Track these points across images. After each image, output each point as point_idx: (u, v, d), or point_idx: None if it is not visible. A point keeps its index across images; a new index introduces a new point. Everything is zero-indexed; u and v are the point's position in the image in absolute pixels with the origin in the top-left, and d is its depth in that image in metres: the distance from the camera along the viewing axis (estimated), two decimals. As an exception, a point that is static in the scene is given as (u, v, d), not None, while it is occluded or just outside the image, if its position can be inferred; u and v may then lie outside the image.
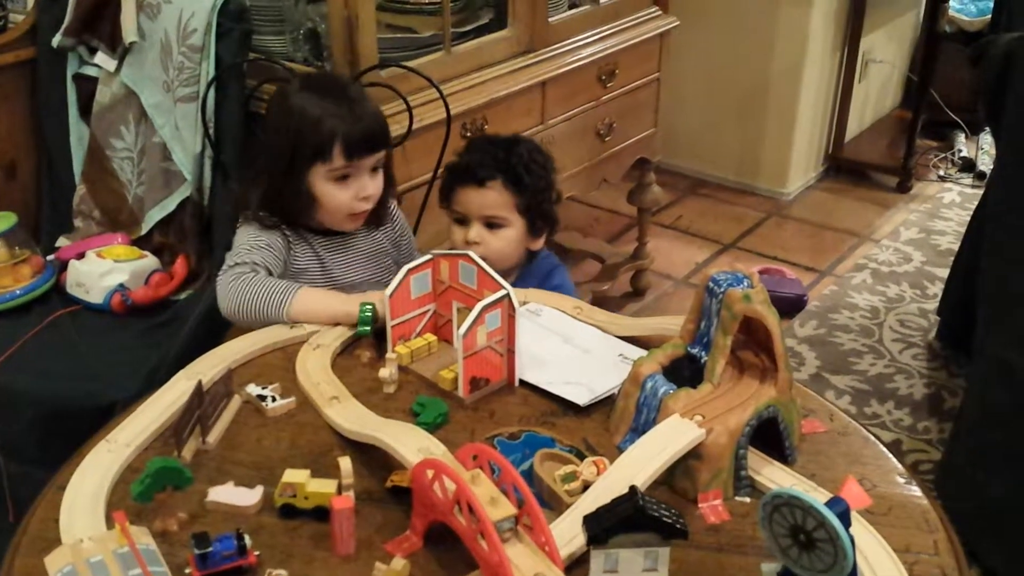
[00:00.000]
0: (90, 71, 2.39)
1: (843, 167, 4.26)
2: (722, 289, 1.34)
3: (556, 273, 2.02)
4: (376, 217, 1.91)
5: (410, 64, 2.22)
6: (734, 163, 4.10)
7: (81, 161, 2.43)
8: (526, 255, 1.99)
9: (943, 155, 4.38)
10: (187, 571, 1.12)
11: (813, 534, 0.97)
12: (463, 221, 1.95)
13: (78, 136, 2.44)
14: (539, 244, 1.99)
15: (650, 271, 3.43)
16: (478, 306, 1.41)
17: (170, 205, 2.30)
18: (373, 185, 1.83)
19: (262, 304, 1.65)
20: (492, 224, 1.92)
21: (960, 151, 4.36)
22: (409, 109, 2.12)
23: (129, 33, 2.26)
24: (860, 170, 4.24)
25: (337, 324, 1.62)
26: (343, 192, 1.80)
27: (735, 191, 4.08)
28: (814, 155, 4.18)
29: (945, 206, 4.02)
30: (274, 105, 1.92)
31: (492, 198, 1.90)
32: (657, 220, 3.74)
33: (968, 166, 4.30)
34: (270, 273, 1.74)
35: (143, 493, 1.22)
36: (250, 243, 1.78)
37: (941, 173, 4.29)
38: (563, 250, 3.35)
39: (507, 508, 1.09)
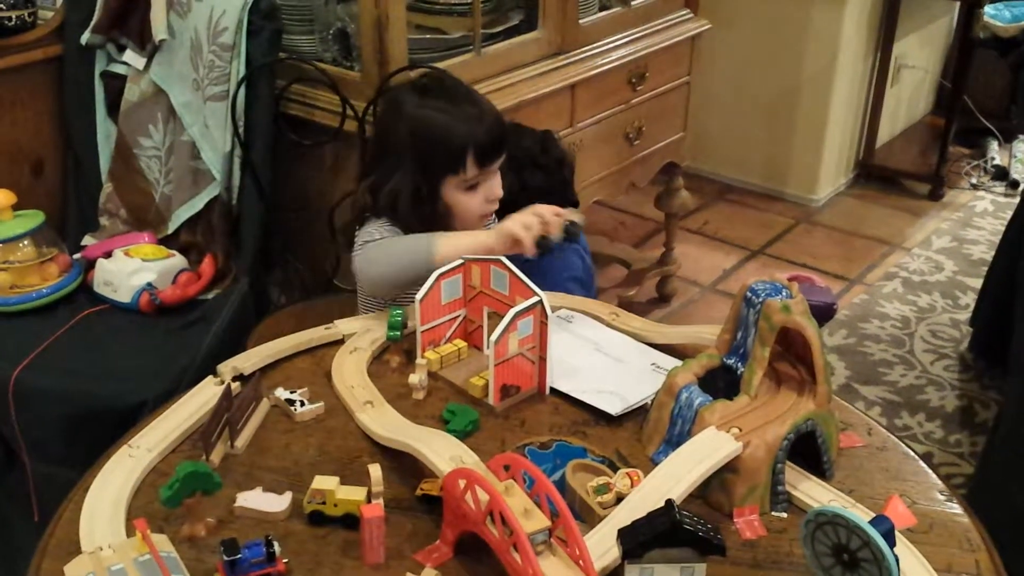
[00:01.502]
0: (118, 69, 2.39)
1: (874, 174, 4.22)
2: (760, 299, 1.31)
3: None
4: (498, 214, 1.84)
5: (439, 65, 2.20)
6: (763, 168, 4.07)
7: (108, 159, 2.43)
8: None
9: (976, 163, 4.32)
10: (215, 578, 1.11)
11: (857, 554, 0.95)
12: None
13: (105, 134, 2.44)
14: None
15: (676, 277, 3.40)
16: (510, 312, 1.39)
17: (198, 204, 2.29)
18: (499, 185, 1.79)
19: (407, 255, 1.62)
20: None
21: (993, 159, 4.31)
22: (440, 111, 2.09)
23: (159, 31, 2.26)
24: (891, 177, 4.20)
25: (489, 252, 1.57)
26: (474, 199, 1.75)
27: (764, 197, 4.05)
28: (844, 161, 4.14)
29: (978, 215, 3.97)
30: (389, 115, 1.81)
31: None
32: (684, 225, 3.71)
33: (1001, 174, 4.24)
34: None
35: (172, 498, 1.20)
36: (381, 231, 1.72)
37: (974, 181, 4.24)
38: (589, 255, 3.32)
39: (541, 520, 1.07)
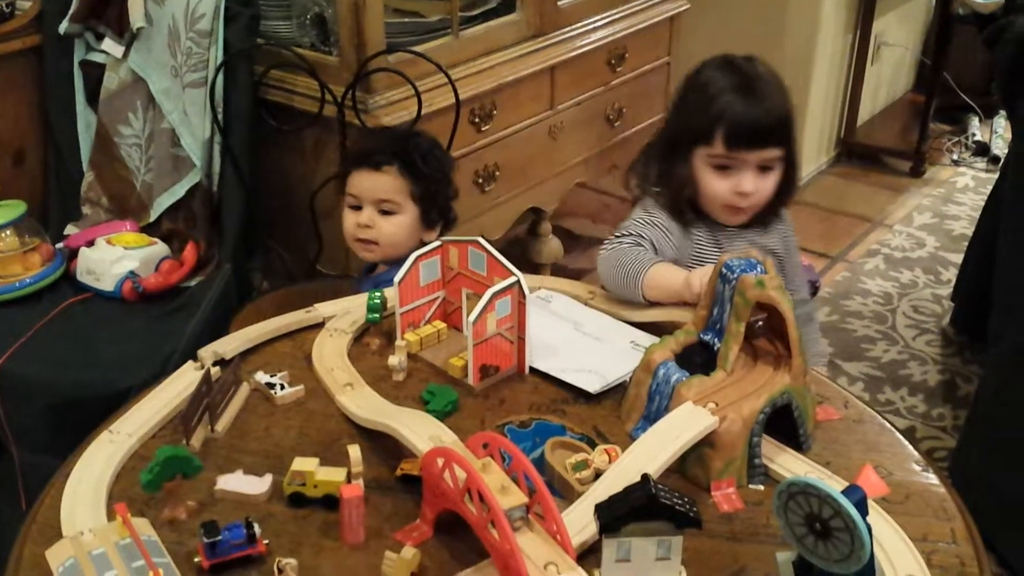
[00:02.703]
0: (97, 57, 2.38)
1: (855, 152, 4.23)
2: (735, 275, 1.32)
3: None
4: (761, 219, 1.78)
5: (417, 49, 2.20)
6: (746, 148, 4.07)
7: (89, 148, 2.43)
8: (420, 247, 1.91)
9: (957, 139, 4.34)
10: (196, 560, 1.11)
11: (829, 523, 0.96)
12: (357, 207, 1.93)
13: (86, 123, 2.43)
14: (432, 236, 1.95)
15: (661, 257, 3.41)
16: (488, 293, 1.40)
17: (179, 191, 2.30)
18: (755, 184, 1.70)
19: (620, 276, 1.61)
20: (385, 211, 1.91)
21: (974, 135, 4.33)
22: (418, 95, 2.10)
23: (137, 18, 2.25)
24: (873, 155, 4.21)
25: (682, 302, 1.55)
26: (720, 182, 1.69)
27: (746, 176, 4.06)
28: (826, 139, 4.15)
29: (959, 191, 3.99)
30: (687, 76, 1.81)
31: (386, 182, 1.90)
32: (667, 206, 3.71)
33: (982, 150, 4.27)
34: (655, 251, 1.68)
35: (152, 482, 1.21)
36: (643, 218, 1.72)
37: (955, 157, 4.25)
38: (572, 236, 3.34)
39: (518, 496, 1.07)
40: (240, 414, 1.38)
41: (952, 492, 1.28)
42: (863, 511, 0.96)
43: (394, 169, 1.90)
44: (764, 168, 1.70)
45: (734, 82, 1.69)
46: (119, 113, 2.36)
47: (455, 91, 2.17)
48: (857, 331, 3.08)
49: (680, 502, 1.07)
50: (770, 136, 1.68)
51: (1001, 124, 4.32)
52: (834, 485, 0.98)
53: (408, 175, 1.90)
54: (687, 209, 1.74)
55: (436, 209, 1.96)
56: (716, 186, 1.70)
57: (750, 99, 1.67)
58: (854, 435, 1.37)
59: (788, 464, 1.28)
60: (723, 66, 1.74)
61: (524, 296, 1.43)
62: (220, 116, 2.18)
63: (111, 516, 1.17)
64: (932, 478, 1.29)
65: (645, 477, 1.08)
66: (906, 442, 1.37)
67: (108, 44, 2.34)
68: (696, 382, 1.30)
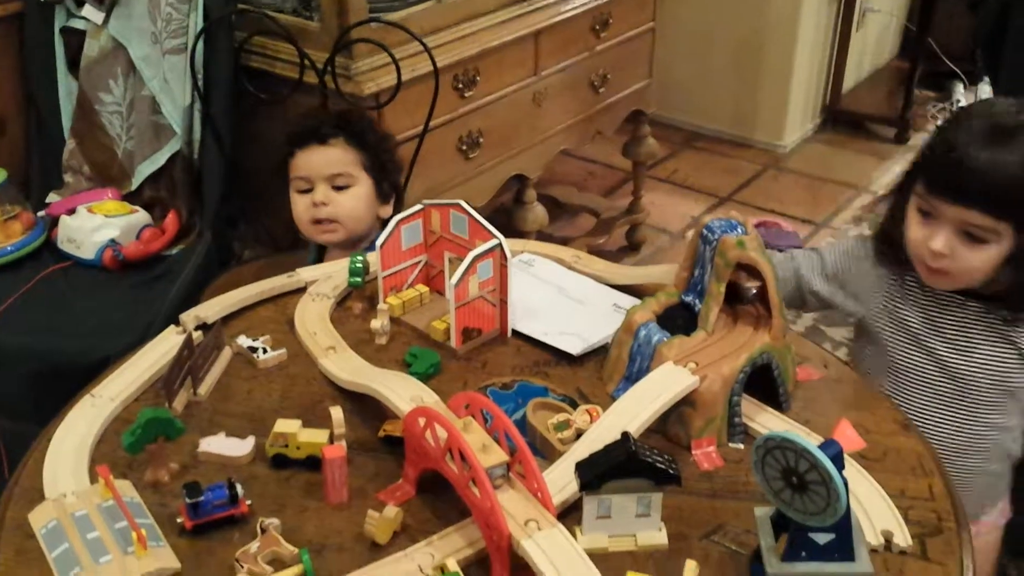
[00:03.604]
0: (78, 24, 2.37)
1: (840, 119, 4.24)
2: (716, 236, 1.32)
3: None
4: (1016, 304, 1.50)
5: (400, 14, 2.19)
6: (730, 116, 4.08)
7: (70, 116, 2.42)
8: (379, 225, 1.89)
9: (941, 105, 4.35)
10: (179, 520, 1.12)
11: (806, 476, 0.97)
12: (307, 190, 1.87)
13: (67, 91, 2.42)
14: (388, 211, 1.92)
15: (646, 225, 3.42)
16: (469, 255, 1.40)
17: (160, 159, 2.29)
18: (952, 248, 1.43)
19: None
20: (339, 186, 1.86)
21: (958, 101, 4.34)
22: (396, 63, 2.08)
23: (116, -16, 2.24)
24: (858, 121, 4.22)
25: None
26: (917, 229, 1.47)
27: (731, 144, 4.06)
28: (811, 107, 4.15)
29: (943, 157, 3.99)
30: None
31: (336, 155, 1.85)
32: (653, 174, 3.72)
33: (966, 116, 4.27)
34: (822, 267, 1.64)
35: (134, 444, 1.21)
36: (842, 243, 1.65)
37: (939, 123, 4.25)
38: (558, 204, 3.33)
39: (499, 455, 1.08)
40: (222, 378, 1.38)
41: (930, 449, 1.29)
42: (839, 465, 0.97)
43: (341, 141, 1.86)
44: (971, 236, 1.42)
45: (990, 123, 1.42)
46: (100, 80, 2.34)
47: (432, 60, 2.15)
48: (841, 297, 3.09)
49: (660, 459, 1.08)
50: (976, 195, 1.39)
51: (986, 90, 4.32)
52: (812, 441, 0.99)
53: (356, 146, 1.86)
54: (888, 249, 1.56)
55: (387, 180, 1.92)
56: (912, 231, 1.48)
57: (988, 146, 1.39)
58: (833, 394, 1.38)
59: (768, 423, 1.29)
60: (1000, 106, 1.48)
61: (506, 259, 1.43)
62: (200, 83, 2.17)
63: (93, 479, 1.17)
64: (910, 436, 1.31)
65: (625, 435, 1.08)
66: (885, 401, 1.38)
67: (88, 10, 2.32)
68: (677, 342, 1.31)
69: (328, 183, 1.85)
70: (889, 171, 3.88)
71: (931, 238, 1.44)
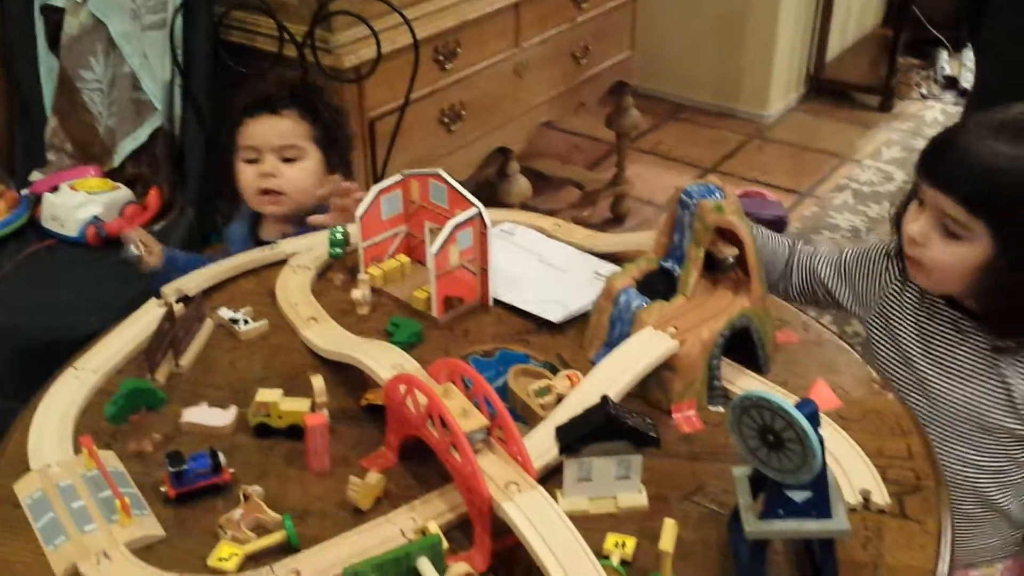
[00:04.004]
0: (57, 1, 2.36)
1: (824, 88, 4.24)
2: (694, 201, 1.33)
3: None
4: (996, 328, 1.47)
5: (380, -11, 2.18)
6: (714, 86, 4.08)
7: (52, 94, 2.41)
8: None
9: (926, 73, 4.35)
10: (163, 489, 1.12)
11: (782, 435, 0.97)
12: (254, 160, 1.85)
13: (48, 69, 2.41)
14: None
15: (630, 197, 3.42)
16: (449, 224, 1.40)
17: (141, 136, 2.28)
18: (928, 236, 1.42)
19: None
20: (288, 158, 1.84)
21: (943, 69, 4.34)
22: (375, 35, 2.08)
23: (94, -40, 2.22)
24: (842, 90, 4.22)
25: None
26: (910, 216, 1.47)
27: (715, 115, 4.06)
28: (795, 76, 4.15)
29: (928, 124, 4.01)
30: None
31: (287, 126, 1.84)
32: (637, 146, 3.72)
33: (951, 84, 4.28)
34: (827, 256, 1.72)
35: (117, 415, 1.22)
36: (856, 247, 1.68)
37: (924, 91, 4.27)
38: (542, 177, 3.33)
39: (479, 419, 1.09)
40: (204, 349, 1.39)
41: (908, 410, 1.30)
42: (815, 423, 0.98)
43: (294, 113, 1.84)
44: (947, 230, 1.40)
45: (1001, 119, 1.40)
46: (80, 58, 2.33)
47: (412, 32, 2.15)
48: (825, 265, 3.10)
49: (639, 422, 1.09)
50: (954, 179, 1.37)
51: (970, 57, 4.32)
52: (789, 401, 1.00)
53: (308, 118, 1.85)
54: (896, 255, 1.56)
55: (337, 154, 1.91)
56: (906, 218, 1.48)
57: (987, 137, 1.37)
58: (813, 357, 1.39)
59: (747, 385, 1.29)
60: (1019, 108, 1.42)
61: (486, 227, 1.43)
62: (180, 58, 2.16)
63: (77, 450, 1.18)
64: (889, 396, 1.32)
65: (604, 398, 1.09)
66: (864, 362, 1.39)
67: (67, -12, 2.31)
68: (656, 307, 1.31)
69: (277, 154, 1.84)
70: (873, 139, 3.89)
71: (908, 223, 1.46)
